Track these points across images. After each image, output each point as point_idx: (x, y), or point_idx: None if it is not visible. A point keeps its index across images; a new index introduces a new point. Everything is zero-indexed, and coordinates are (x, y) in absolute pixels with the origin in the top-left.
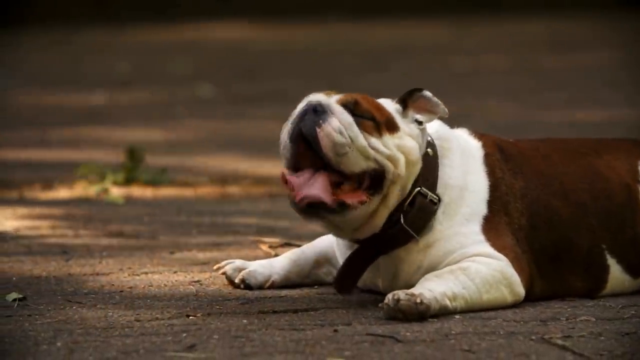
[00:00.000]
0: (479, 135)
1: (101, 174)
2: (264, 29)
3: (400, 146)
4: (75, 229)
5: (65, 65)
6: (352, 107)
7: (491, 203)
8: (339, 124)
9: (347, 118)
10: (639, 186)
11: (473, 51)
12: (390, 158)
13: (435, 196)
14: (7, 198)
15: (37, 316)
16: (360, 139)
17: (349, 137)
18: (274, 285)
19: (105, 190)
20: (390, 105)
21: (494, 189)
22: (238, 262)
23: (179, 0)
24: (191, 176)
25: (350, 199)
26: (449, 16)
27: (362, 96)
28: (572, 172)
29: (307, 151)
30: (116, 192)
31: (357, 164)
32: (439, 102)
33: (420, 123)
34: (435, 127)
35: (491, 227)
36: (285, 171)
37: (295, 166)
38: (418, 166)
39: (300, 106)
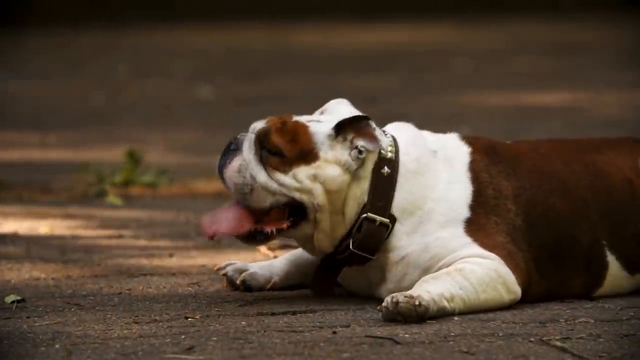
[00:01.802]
0: (469, 140)
1: (100, 175)
2: (265, 31)
3: (317, 176)
4: (74, 230)
5: (66, 66)
6: (262, 140)
7: (475, 207)
8: (239, 164)
9: (247, 155)
10: None
11: (475, 52)
12: (300, 190)
13: (385, 219)
14: (6, 199)
15: (35, 318)
16: (261, 176)
17: (250, 175)
18: (275, 287)
19: (104, 192)
20: (321, 129)
21: (478, 193)
22: (239, 264)
23: (178, 1)
24: (190, 178)
25: (269, 227)
26: (451, 17)
27: (281, 126)
28: (573, 169)
29: None
30: (115, 193)
31: (263, 200)
32: (380, 137)
33: (360, 152)
34: (404, 140)
35: (477, 228)
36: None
37: None
38: (353, 191)
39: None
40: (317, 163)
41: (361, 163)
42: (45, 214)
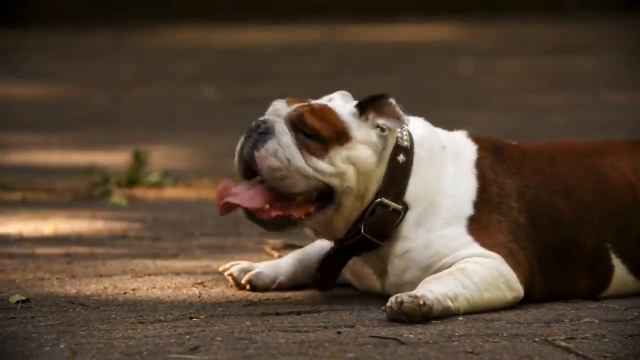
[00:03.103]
0: (475, 138)
1: (104, 176)
2: (267, 31)
3: (350, 157)
4: (78, 231)
5: (68, 66)
6: (296, 123)
7: (479, 204)
8: (276, 147)
9: (286, 139)
10: None
11: (478, 53)
12: (335, 174)
13: (398, 206)
14: (10, 201)
15: (40, 318)
16: (297, 160)
17: (286, 158)
18: (281, 287)
19: (109, 192)
20: (344, 109)
21: (482, 190)
22: (244, 264)
23: (182, 2)
24: (194, 178)
25: (297, 212)
26: (453, 17)
27: (311, 108)
28: (576, 172)
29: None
30: (119, 194)
31: (297, 185)
32: (402, 113)
33: (383, 130)
34: (418, 132)
35: (480, 227)
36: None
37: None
38: (376, 174)
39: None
40: (350, 144)
41: (384, 144)
42: (50, 215)
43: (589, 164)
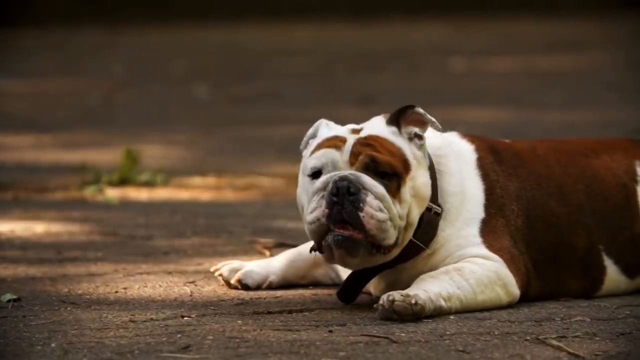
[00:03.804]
0: (470, 138)
1: (96, 174)
2: (261, 30)
3: (414, 187)
4: (70, 230)
5: (61, 65)
6: (372, 167)
7: (488, 206)
8: (377, 202)
9: (380, 190)
10: (636, 186)
11: (470, 52)
12: (405, 214)
13: (438, 207)
14: (2, 200)
15: (31, 317)
16: (394, 209)
17: (386, 209)
18: (272, 286)
19: (100, 191)
20: (386, 131)
21: (489, 192)
22: (234, 264)
23: (176, 1)
24: (186, 177)
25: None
26: (446, 16)
27: (371, 146)
28: (569, 173)
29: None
30: (111, 193)
31: (393, 236)
32: (432, 117)
33: (420, 137)
34: (426, 135)
35: (489, 229)
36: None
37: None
38: None
39: (324, 179)
40: (412, 172)
41: (424, 154)
42: (41, 214)
43: (582, 164)
